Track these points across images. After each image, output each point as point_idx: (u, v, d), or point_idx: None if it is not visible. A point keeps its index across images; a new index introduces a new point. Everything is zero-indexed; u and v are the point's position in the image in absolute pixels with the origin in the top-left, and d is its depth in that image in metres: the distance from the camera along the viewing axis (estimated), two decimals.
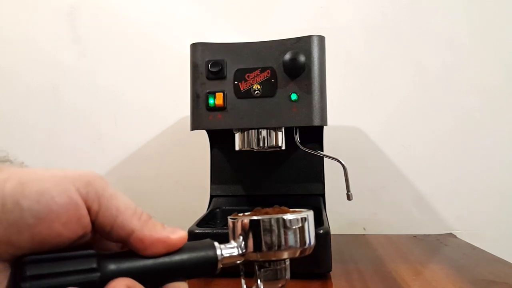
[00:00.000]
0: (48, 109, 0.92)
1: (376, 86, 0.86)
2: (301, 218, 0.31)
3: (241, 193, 0.70)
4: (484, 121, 0.84)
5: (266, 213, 0.32)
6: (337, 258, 0.59)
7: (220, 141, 0.72)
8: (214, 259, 0.29)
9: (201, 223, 0.58)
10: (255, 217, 0.30)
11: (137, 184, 0.90)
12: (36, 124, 0.92)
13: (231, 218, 0.32)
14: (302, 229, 0.31)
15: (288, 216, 0.30)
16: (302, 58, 0.56)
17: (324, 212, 0.62)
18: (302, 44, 0.58)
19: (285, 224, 0.30)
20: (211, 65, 0.59)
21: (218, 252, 0.29)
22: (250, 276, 0.33)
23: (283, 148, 0.61)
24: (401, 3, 0.86)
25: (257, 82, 0.59)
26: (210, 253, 0.29)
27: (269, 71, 0.58)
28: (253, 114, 0.59)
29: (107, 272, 0.25)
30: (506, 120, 0.84)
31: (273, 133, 0.60)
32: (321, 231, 0.51)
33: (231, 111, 0.59)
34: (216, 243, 0.29)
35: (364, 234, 0.82)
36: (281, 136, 0.61)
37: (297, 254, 0.31)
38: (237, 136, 0.62)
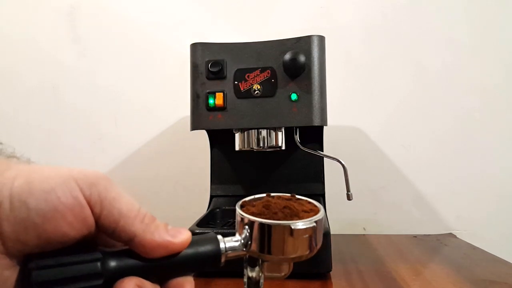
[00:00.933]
0: (48, 109, 0.92)
1: (376, 86, 0.86)
2: (310, 228, 0.29)
3: (241, 193, 0.70)
4: (484, 121, 0.84)
5: (275, 214, 0.30)
6: (337, 258, 0.59)
7: (220, 141, 0.72)
8: (218, 253, 0.29)
9: (201, 223, 0.58)
10: (263, 221, 0.29)
11: (137, 184, 0.90)
12: (36, 124, 0.92)
13: (239, 212, 0.31)
14: (309, 238, 0.29)
15: (297, 226, 0.29)
16: (302, 58, 0.56)
17: (324, 212, 0.62)
18: (302, 44, 0.58)
19: (292, 233, 0.29)
20: (211, 65, 0.59)
21: (222, 245, 0.29)
22: (254, 262, 0.32)
23: (283, 148, 0.61)
24: (401, 3, 0.86)
25: (257, 82, 0.59)
26: (213, 247, 0.29)
27: (269, 71, 0.58)
28: (253, 114, 0.59)
29: (111, 272, 0.25)
30: (506, 120, 0.84)
31: (273, 133, 0.60)
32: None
33: (231, 111, 0.59)
34: (219, 237, 0.29)
35: (364, 234, 0.82)
36: (281, 136, 0.61)
37: (302, 259, 0.30)
38: (237, 136, 0.62)
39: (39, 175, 0.25)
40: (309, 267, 0.52)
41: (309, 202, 0.33)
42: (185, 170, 0.89)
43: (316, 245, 0.30)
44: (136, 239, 0.26)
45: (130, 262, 0.26)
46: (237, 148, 0.63)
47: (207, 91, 0.60)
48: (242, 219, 0.30)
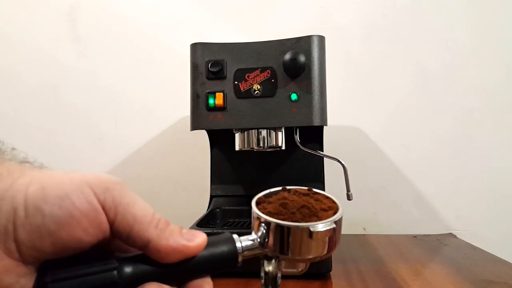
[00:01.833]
0: (48, 109, 0.92)
1: (376, 86, 0.86)
2: (331, 229, 0.28)
3: (241, 193, 0.70)
4: (484, 121, 0.84)
5: (293, 214, 0.29)
6: (337, 258, 0.59)
7: (220, 141, 0.72)
8: (235, 253, 0.28)
9: (201, 223, 0.58)
10: (281, 222, 0.28)
11: (137, 184, 0.89)
12: (36, 124, 0.92)
13: (256, 211, 0.30)
14: (329, 239, 0.29)
15: (316, 228, 0.28)
16: (302, 58, 0.56)
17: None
18: (302, 44, 0.58)
19: (311, 235, 0.28)
20: (211, 65, 0.59)
21: (238, 245, 0.28)
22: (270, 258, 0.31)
23: (283, 148, 0.61)
24: (401, 3, 0.86)
25: (257, 82, 0.59)
26: (230, 247, 0.28)
27: (269, 71, 0.58)
28: (253, 114, 0.59)
29: (129, 279, 0.25)
30: (506, 120, 0.84)
31: (273, 133, 0.60)
32: None
33: (231, 111, 0.59)
34: (235, 236, 0.28)
35: (364, 234, 0.82)
36: (281, 136, 0.61)
37: (321, 259, 0.29)
38: (237, 136, 0.62)
39: (53, 180, 0.24)
40: (309, 267, 0.52)
41: (327, 197, 0.32)
42: (185, 170, 0.89)
43: (335, 245, 0.30)
44: (151, 245, 0.25)
45: (147, 267, 0.26)
46: (237, 148, 0.63)
47: (207, 91, 0.60)
48: (259, 218, 0.29)
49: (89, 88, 0.92)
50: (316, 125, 0.57)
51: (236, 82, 0.59)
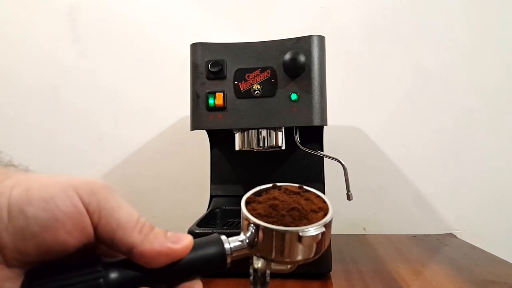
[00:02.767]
0: (48, 109, 0.92)
1: (376, 86, 0.86)
2: (320, 233, 0.28)
3: (241, 193, 0.69)
4: (484, 121, 0.84)
5: (283, 217, 0.29)
6: (337, 258, 0.59)
7: (220, 141, 0.71)
8: (223, 255, 0.28)
9: (201, 223, 0.58)
10: (270, 226, 0.28)
11: (137, 184, 0.90)
12: (36, 124, 0.92)
13: (245, 212, 0.29)
14: (318, 242, 0.28)
15: (305, 233, 0.27)
16: (302, 58, 0.56)
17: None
18: (302, 44, 0.58)
19: (300, 240, 0.27)
20: (211, 65, 0.59)
21: (227, 246, 0.28)
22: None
23: (283, 148, 0.61)
24: (401, 3, 0.86)
25: (257, 82, 0.59)
26: (218, 249, 0.28)
27: (269, 71, 0.58)
28: (253, 114, 0.59)
29: (116, 286, 0.25)
30: (506, 120, 0.84)
31: (273, 133, 0.60)
32: None
33: (231, 111, 0.59)
34: (223, 237, 0.28)
35: (364, 234, 0.82)
36: (281, 136, 0.61)
37: (309, 261, 0.29)
38: (237, 136, 0.62)
39: (38, 183, 0.24)
40: (309, 267, 0.52)
41: (318, 196, 0.32)
42: (185, 170, 0.89)
43: (324, 247, 0.29)
44: (135, 250, 0.25)
45: (134, 273, 0.25)
46: (237, 148, 0.63)
47: (207, 91, 0.60)
48: (248, 219, 0.29)
49: (89, 88, 0.92)
50: (316, 125, 0.57)
51: (236, 82, 0.59)
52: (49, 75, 0.92)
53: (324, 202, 0.31)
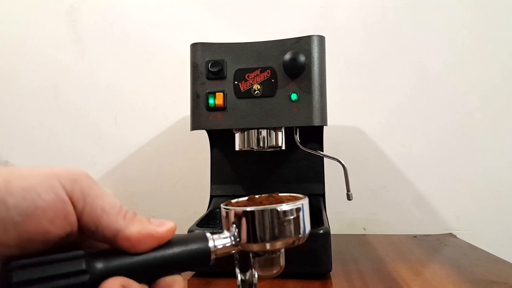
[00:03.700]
0: (48, 109, 0.92)
1: (376, 86, 0.86)
2: (296, 209, 0.30)
3: (241, 193, 0.70)
4: (484, 121, 0.84)
5: (260, 203, 0.31)
6: (337, 258, 0.59)
7: (220, 141, 0.72)
8: (207, 251, 0.28)
9: (201, 223, 0.58)
10: (248, 208, 0.30)
11: (137, 184, 0.90)
12: (36, 124, 0.92)
13: (224, 207, 0.32)
14: (296, 219, 0.30)
15: (282, 207, 0.30)
16: (302, 58, 0.56)
17: (324, 212, 0.62)
18: (302, 44, 0.58)
19: (279, 216, 0.29)
20: (211, 65, 0.59)
21: (211, 243, 0.29)
22: (246, 265, 0.32)
23: (283, 148, 0.61)
24: (401, 3, 0.86)
25: (257, 82, 0.59)
26: (202, 245, 0.28)
27: (269, 71, 0.58)
28: (253, 114, 0.59)
29: (97, 272, 0.25)
30: (506, 120, 0.84)
31: (273, 133, 0.60)
32: (321, 231, 0.51)
33: (231, 111, 0.59)
34: (208, 234, 0.29)
35: (364, 234, 0.82)
36: (281, 136, 0.61)
37: (292, 244, 0.31)
38: (237, 136, 0.62)
39: (19, 174, 0.24)
40: (309, 267, 0.52)
41: (293, 196, 0.34)
42: (185, 170, 0.89)
43: (305, 228, 0.31)
44: (121, 234, 0.26)
45: (116, 261, 0.26)
46: (237, 148, 0.63)
47: (207, 91, 0.60)
48: (228, 214, 0.31)
49: (89, 88, 0.92)
50: (316, 125, 0.57)
51: (236, 82, 0.59)
52: (49, 75, 0.92)
53: (300, 197, 0.33)
